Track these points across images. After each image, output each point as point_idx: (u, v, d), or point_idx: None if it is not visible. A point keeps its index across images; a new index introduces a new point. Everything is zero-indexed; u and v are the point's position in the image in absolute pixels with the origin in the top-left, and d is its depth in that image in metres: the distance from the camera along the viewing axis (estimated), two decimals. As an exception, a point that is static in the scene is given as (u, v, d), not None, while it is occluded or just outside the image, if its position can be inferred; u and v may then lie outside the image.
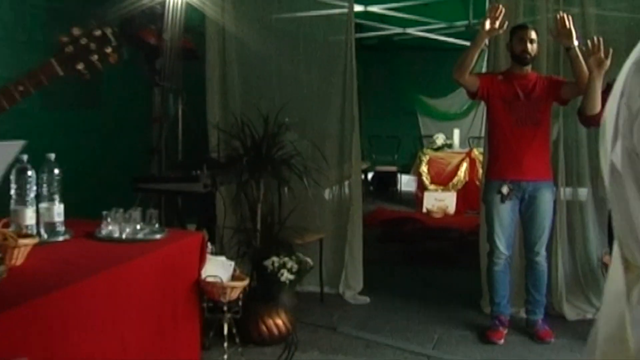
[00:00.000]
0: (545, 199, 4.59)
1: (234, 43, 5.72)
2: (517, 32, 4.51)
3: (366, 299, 5.46)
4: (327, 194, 5.72)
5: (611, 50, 4.07)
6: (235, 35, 5.70)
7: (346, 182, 5.72)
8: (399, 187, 11.25)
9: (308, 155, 5.16)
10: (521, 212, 4.65)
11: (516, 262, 4.97)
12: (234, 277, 3.53)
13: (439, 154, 9.99)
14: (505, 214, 4.59)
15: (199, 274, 3.38)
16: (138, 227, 3.31)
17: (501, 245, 4.61)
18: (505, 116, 4.55)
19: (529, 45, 4.47)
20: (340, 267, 5.57)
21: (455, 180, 9.72)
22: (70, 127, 4.80)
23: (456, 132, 10.36)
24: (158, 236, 3.30)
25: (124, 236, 3.26)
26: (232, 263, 3.55)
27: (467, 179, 9.71)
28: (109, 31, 2.36)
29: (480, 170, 9.53)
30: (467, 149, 9.94)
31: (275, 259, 4.41)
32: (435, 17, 9.04)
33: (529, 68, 4.59)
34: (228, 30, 5.70)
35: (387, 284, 5.96)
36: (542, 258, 4.66)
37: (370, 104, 11.77)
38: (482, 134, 11.85)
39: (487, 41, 4.62)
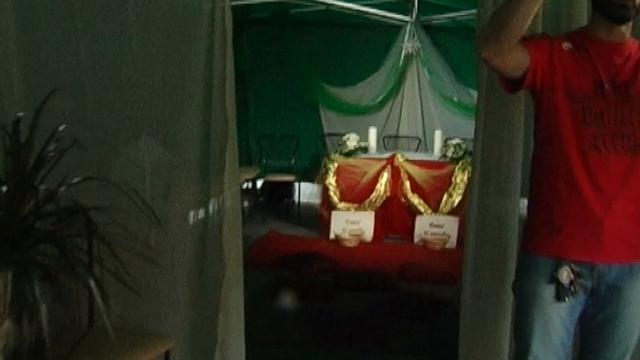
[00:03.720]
0: (638, 296, 2.26)
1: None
2: None
3: None
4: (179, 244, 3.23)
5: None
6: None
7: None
8: (296, 198, 8.78)
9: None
10: (586, 317, 2.32)
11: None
12: None
13: (352, 160, 7.51)
14: (558, 321, 2.25)
15: None
16: None
17: None
18: (574, 129, 2.18)
19: None
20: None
21: (373, 196, 7.30)
22: None
23: (372, 132, 7.93)
24: None
25: None
26: None
27: (388, 194, 7.30)
28: None
29: (407, 183, 7.28)
30: (388, 155, 7.51)
31: None
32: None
33: (627, 30, 2.26)
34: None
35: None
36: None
37: (260, 95, 9.22)
38: (400, 133, 9.79)
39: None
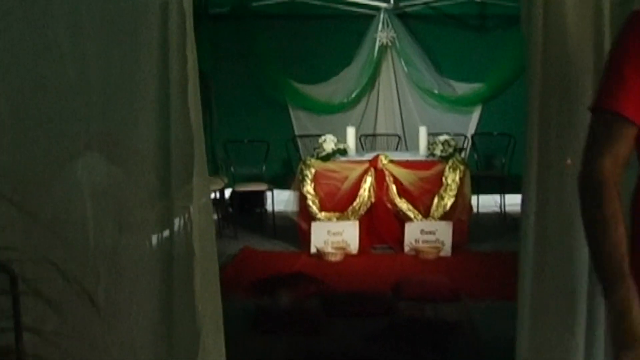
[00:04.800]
0: None
1: None
2: None
3: None
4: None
5: None
6: None
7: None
8: (269, 207, 8.03)
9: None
10: None
11: None
12: None
13: (330, 165, 6.78)
14: None
15: None
16: None
17: None
18: None
19: None
20: None
21: (356, 203, 6.59)
22: None
23: (350, 132, 7.20)
24: None
25: None
26: None
27: (373, 200, 6.59)
28: None
29: (393, 187, 6.58)
30: (369, 156, 6.81)
31: None
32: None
33: None
34: None
35: None
36: None
37: (224, 97, 8.45)
38: (377, 130, 9.08)
39: None
